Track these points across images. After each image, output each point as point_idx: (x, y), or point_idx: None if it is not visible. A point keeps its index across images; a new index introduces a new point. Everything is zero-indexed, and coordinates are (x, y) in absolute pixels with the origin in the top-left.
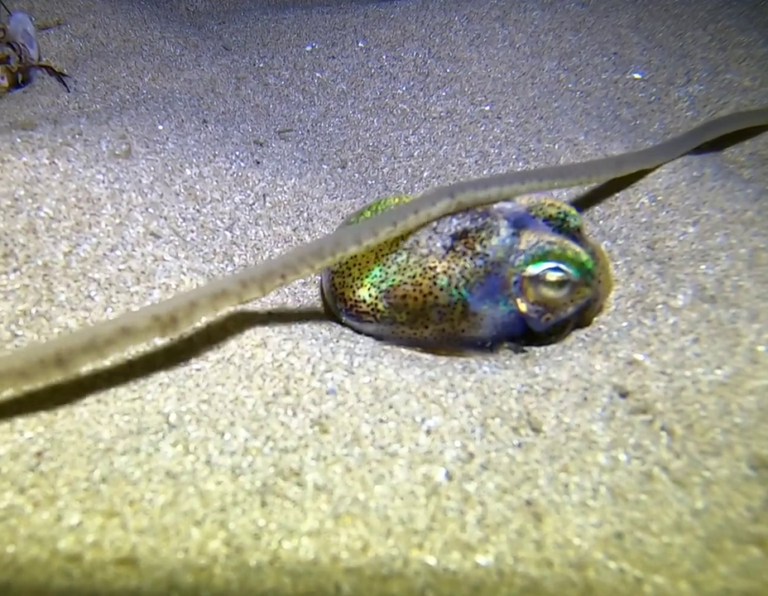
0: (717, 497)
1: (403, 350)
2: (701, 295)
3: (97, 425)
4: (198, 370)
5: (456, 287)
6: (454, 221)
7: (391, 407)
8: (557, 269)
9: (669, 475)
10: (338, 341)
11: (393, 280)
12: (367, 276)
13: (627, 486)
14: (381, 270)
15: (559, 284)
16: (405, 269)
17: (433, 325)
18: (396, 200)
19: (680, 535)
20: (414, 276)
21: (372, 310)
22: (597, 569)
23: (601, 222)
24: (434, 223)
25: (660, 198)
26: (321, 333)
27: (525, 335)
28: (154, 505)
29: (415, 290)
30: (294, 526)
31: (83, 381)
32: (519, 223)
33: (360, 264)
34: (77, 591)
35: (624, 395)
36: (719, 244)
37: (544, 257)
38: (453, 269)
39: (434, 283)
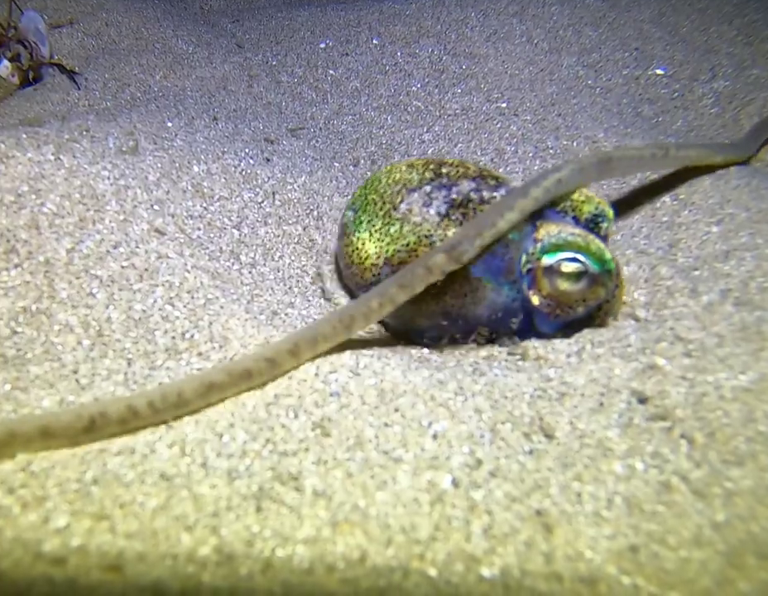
0: (739, 509)
1: (412, 351)
2: (724, 297)
3: None
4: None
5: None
6: (454, 189)
7: (396, 410)
8: (575, 260)
9: (688, 485)
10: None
11: (388, 251)
12: (367, 257)
13: (644, 496)
14: (376, 245)
15: (577, 276)
16: (398, 238)
17: (436, 288)
18: (390, 168)
19: (699, 549)
20: (408, 245)
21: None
22: (609, 584)
23: (620, 221)
24: (428, 188)
25: (682, 196)
26: None
27: (527, 332)
28: (145, 508)
29: (410, 257)
30: (289, 534)
31: (80, 379)
32: (536, 214)
33: (358, 249)
34: None
35: (643, 400)
36: (744, 244)
37: (562, 246)
38: (449, 236)
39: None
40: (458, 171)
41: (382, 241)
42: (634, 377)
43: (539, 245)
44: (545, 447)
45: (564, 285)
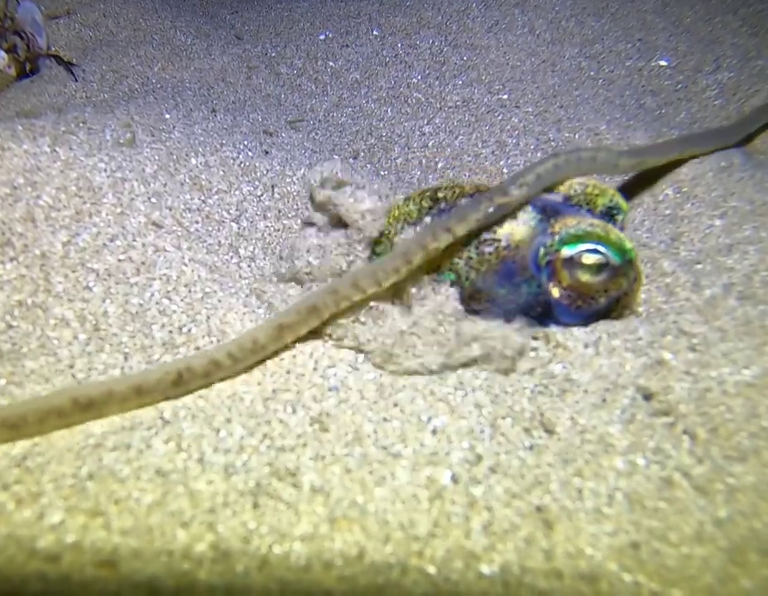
0: (741, 505)
1: None
2: (728, 290)
3: None
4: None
5: (467, 278)
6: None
7: (395, 405)
8: (595, 251)
9: (690, 481)
10: None
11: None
12: None
13: (645, 492)
14: None
15: (598, 267)
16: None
17: None
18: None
19: (701, 546)
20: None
21: None
22: (610, 581)
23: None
24: (428, 219)
25: (684, 189)
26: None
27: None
28: (140, 504)
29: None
30: (286, 530)
31: (76, 374)
32: (549, 211)
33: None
34: (51, 595)
35: (648, 397)
36: (748, 237)
37: (582, 237)
38: (458, 263)
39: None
40: (454, 193)
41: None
42: (640, 372)
43: (557, 237)
44: (546, 442)
45: (586, 277)
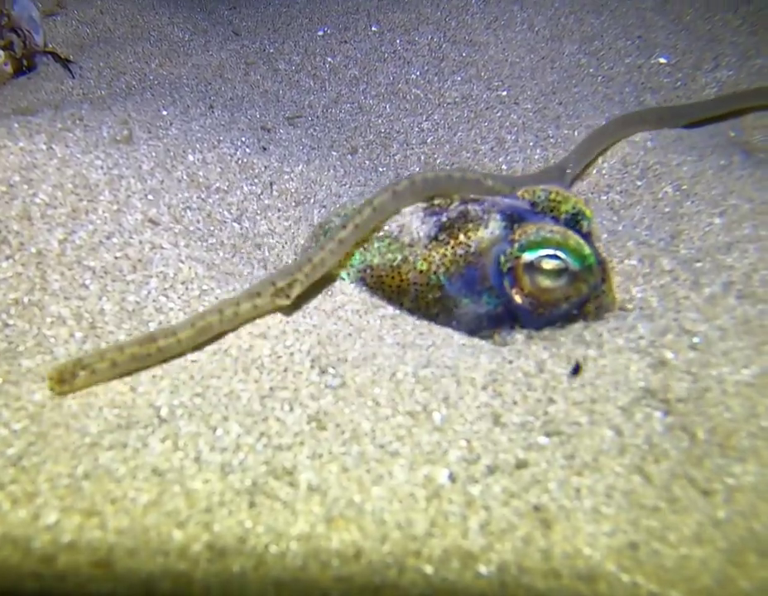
0: (740, 506)
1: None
2: (727, 289)
3: (85, 419)
4: (193, 362)
5: (435, 273)
6: (444, 214)
7: (393, 402)
8: (555, 257)
9: (689, 481)
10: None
11: (371, 261)
12: (347, 260)
13: (643, 491)
14: (360, 254)
15: (557, 273)
16: (385, 254)
17: (408, 303)
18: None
19: (700, 546)
20: (394, 260)
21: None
22: (608, 582)
23: (622, 211)
24: (421, 214)
25: (684, 187)
26: (323, 325)
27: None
28: (136, 504)
29: (393, 271)
30: (283, 530)
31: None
32: (515, 218)
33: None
34: (46, 595)
35: (647, 395)
36: (747, 236)
37: (541, 243)
38: (434, 256)
39: (414, 267)
40: (446, 202)
41: (368, 251)
42: (639, 370)
43: (516, 245)
44: (544, 441)
45: (546, 283)
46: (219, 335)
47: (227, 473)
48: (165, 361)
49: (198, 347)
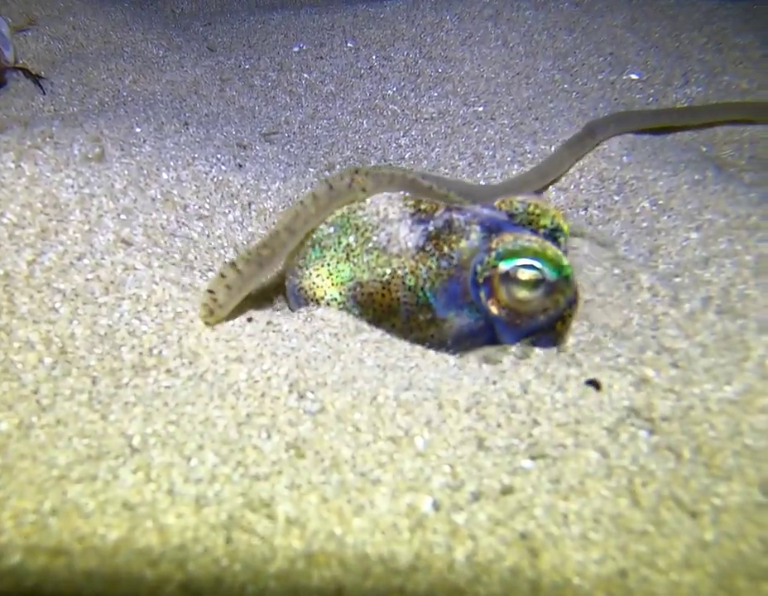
0: (727, 527)
1: (390, 360)
2: (706, 304)
3: (53, 450)
4: (167, 388)
5: (422, 288)
6: (431, 222)
7: (374, 428)
8: (531, 267)
9: (676, 503)
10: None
11: (360, 277)
12: (337, 276)
13: (631, 515)
14: (350, 269)
15: (534, 283)
16: (374, 268)
17: (400, 323)
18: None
19: (689, 571)
20: (383, 276)
21: (342, 308)
22: None
23: (600, 226)
24: (409, 222)
25: (660, 201)
26: (302, 348)
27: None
28: (106, 542)
29: (384, 288)
30: (260, 567)
31: (41, 400)
32: (494, 229)
33: (330, 264)
34: None
35: (631, 414)
36: (723, 250)
37: (518, 253)
38: (420, 269)
39: (403, 283)
40: (432, 207)
41: (358, 266)
42: (622, 389)
43: (493, 253)
44: (530, 465)
45: (522, 293)
46: (195, 357)
47: (202, 505)
48: None
49: (172, 372)
